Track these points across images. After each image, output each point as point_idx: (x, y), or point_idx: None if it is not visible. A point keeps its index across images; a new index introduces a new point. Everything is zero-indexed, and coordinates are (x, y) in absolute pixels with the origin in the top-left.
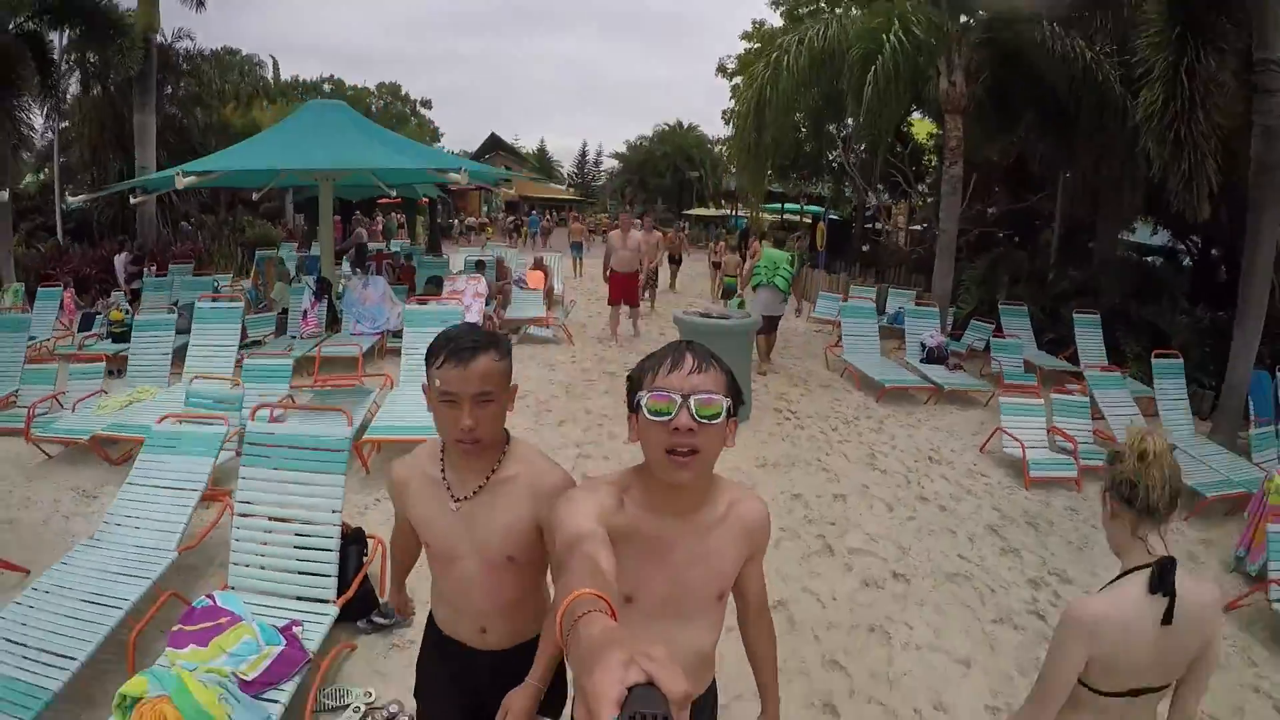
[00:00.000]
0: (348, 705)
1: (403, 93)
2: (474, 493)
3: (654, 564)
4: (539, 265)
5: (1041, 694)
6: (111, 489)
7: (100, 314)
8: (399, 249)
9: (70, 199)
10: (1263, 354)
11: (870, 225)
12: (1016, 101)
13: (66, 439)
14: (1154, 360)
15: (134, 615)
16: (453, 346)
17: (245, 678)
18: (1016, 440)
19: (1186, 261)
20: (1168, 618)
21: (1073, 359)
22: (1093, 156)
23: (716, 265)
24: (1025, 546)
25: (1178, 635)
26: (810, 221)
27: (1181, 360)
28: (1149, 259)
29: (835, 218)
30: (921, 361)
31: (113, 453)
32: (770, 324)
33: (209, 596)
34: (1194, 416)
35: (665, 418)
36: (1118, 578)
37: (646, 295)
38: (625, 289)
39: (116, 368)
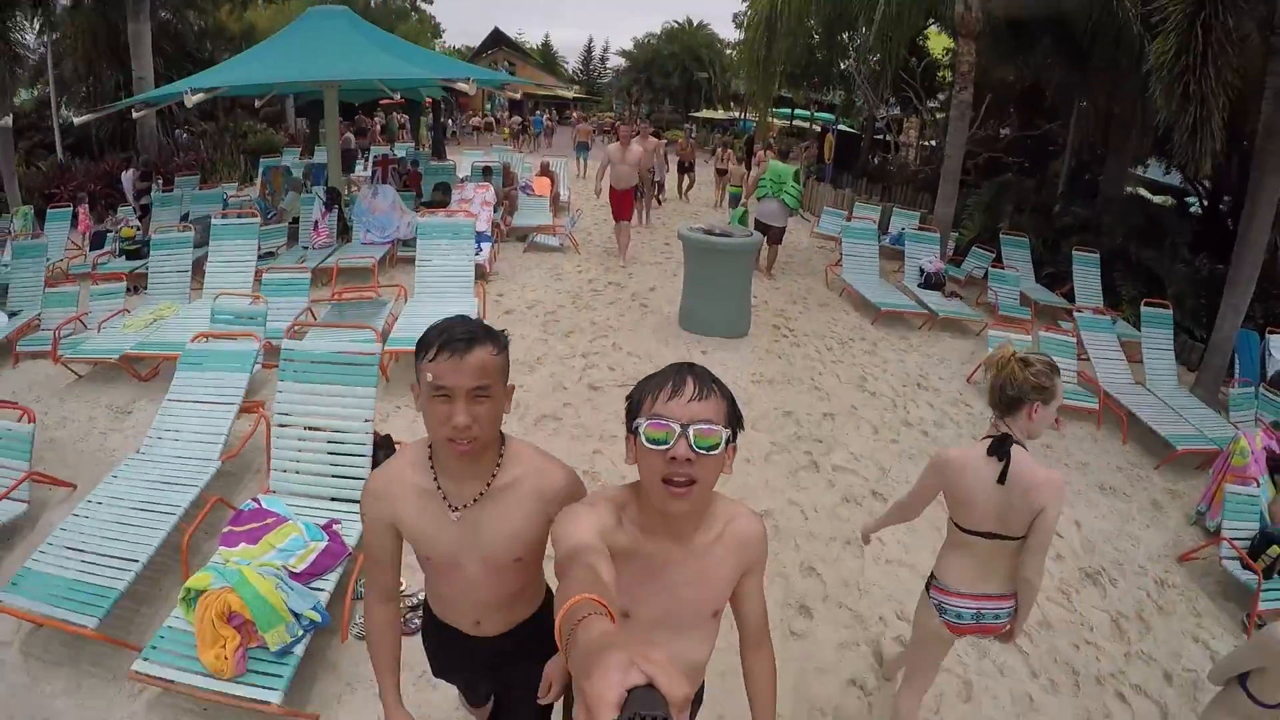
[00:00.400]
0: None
1: None
2: (474, 500)
3: (651, 584)
4: (545, 171)
5: (908, 498)
6: (143, 404)
7: (111, 232)
8: (405, 154)
9: (74, 118)
10: (1256, 313)
11: (881, 137)
12: (1033, 28)
13: (97, 359)
14: (1143, 309)
15: (184, 520)
16: (446, 337)
17: (294, 570)
18: None
19: (1195, 207)
20: (1001, 478)
21: (1069, 296)
22: (1105, 91)
23: (721, 173)
24: None
25: (1010, 495)
26: (820, 130)
27: (1170, 311)
28: (1158, 198)
29: (845, 128)
30: (919, 286)
31: (140, 369)
32: (775, 234)
33: (254, 500)
34: (1181, 366)
35: (663, 446)
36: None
37: (641, 204)
38: (621, 204)
39: (133, 285)
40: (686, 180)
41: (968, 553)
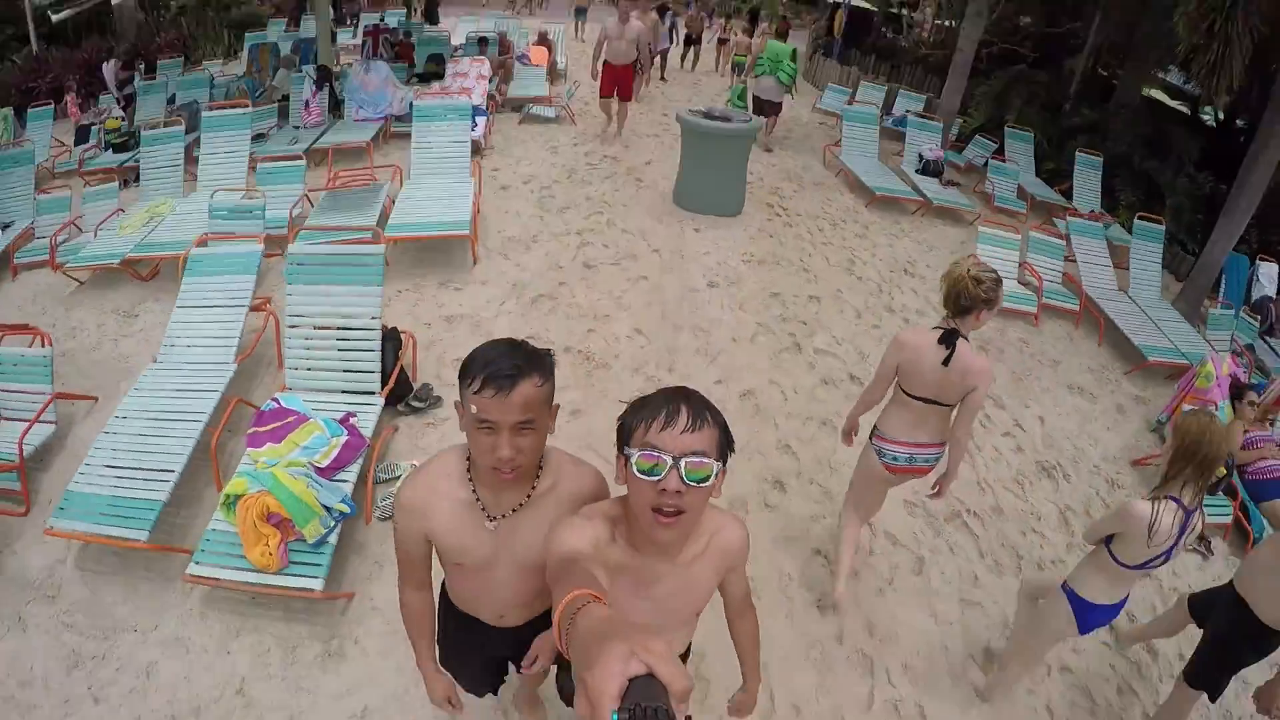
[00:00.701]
0: (398, 476)
1: None
2: (513, 510)
3: (639, 595)
4: (543, 40)
5: (873, 379)
6: (149, 305)
7: (95, 125)
8: (397, 22)
9: (52, 15)
10: (1250, 237)
11: (895, 11)
12: None
13: (98, 265)
14: (1136, 221)
15: (210, 424)
16: (491, 370)
17: (319, 465)
18: None
19: (1210, 119)
20: (946, 362)
21: (1067, 195)
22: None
23: (723, 42)
24: None
25: (951, 375)
26: (834, 3)
27: (1163, 227)
28: (1175, 102)
29: (859, 4)
30: (916, 172)
31: (141, 270)
32: (772, 108)
33: (274, 399)
34: (1169, 275)
35: (654, 478)
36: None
37: (639, 79)
38: (618, 80)
39: (124, 179)
40: (692, 53)
41: (907, 410)
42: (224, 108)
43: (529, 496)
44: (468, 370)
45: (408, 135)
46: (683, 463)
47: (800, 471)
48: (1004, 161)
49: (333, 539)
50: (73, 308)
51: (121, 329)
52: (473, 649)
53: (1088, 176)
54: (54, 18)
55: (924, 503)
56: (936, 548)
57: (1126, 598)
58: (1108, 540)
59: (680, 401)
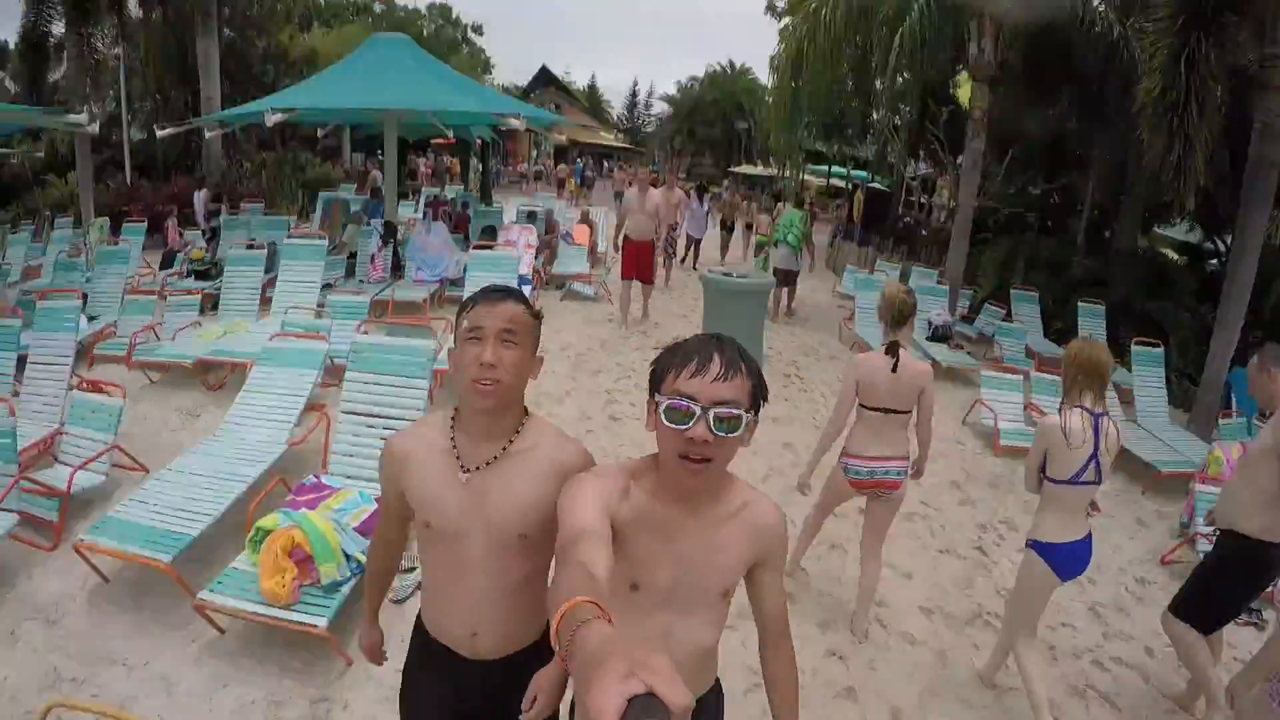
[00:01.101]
0: (415, 569)
1: (454, 15)
2: (487, 463)
3: (661, 550)
4: (585, 220)
5: (837, 404)
6: (212, 409)
7: (180, 252)
8: (455, 195)
9: (158, 130)
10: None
11: (915, 199)
12: (1050, 75)
13: (172, 362)
14: (1134, 347)
15: (252, 491)
16: (483, 292)
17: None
18: (991, 410)
19: (1215, 262)
20: (894, 369)
21: None
22: (1119, 141)
23: (749, 227)
24: (982, 500)
25: (901, 381)
26: (853, 188)
27: (1161, 350)
28: (1181, 258)
29: (877, 186)
30: (926, 339)
31: (211, 379)
32: (788, 278)
33: (314, 476)
34: (1175, 408)
35: (683, 426)
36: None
37: (662, 264)
38: (639, 261)
39: (204, 304)
40: (723, 240)
41: (868, 426)
42: (302, 235)
43: (505, 449)
44: (462, 305)
45: (460, 299)
46: (711, 413)
47: (809, 585)
48: (1012, 324)
49: (346, 589)
50: (140, 401)
51: (183, 425)
52: (441, 701)
53: (1091, 325)
54: (160, 134)
55: (941, 606)
56: (958, 645)
57: (1089, 536)
58: (1043, 470)
59: (713, 349)
